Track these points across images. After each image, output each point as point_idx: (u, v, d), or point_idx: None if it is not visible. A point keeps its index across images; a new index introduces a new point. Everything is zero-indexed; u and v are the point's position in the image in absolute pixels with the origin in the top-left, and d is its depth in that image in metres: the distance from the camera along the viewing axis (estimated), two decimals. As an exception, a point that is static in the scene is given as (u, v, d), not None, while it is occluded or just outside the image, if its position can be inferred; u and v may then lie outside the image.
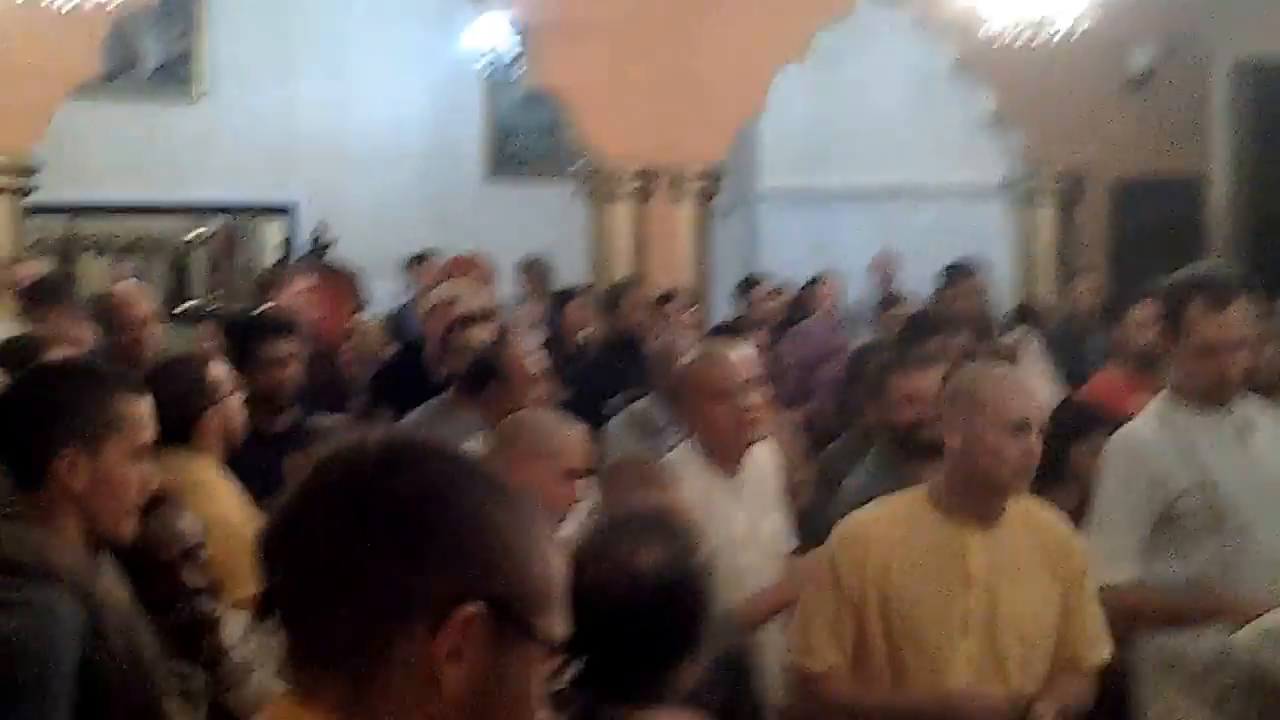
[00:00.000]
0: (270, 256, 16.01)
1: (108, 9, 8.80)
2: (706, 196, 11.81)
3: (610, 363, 9.06)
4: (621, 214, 11.55)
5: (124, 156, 14.24)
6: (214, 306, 14.83)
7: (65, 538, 3.43)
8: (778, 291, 11.54)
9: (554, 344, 10.54)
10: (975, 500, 4.48)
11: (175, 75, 14.90)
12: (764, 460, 5.61)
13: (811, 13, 11.69)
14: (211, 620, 4.15)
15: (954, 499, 4.50)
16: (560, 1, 9.78)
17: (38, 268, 9.31)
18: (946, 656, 4.43)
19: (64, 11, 8.58)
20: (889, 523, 4.55)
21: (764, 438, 5.55)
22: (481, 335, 7.11)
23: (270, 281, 9.78)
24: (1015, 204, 13.75)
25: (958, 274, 10.56)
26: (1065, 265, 13.27)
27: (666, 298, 10.17)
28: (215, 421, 5.16)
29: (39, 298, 7.95)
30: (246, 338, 6.53)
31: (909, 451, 5.51)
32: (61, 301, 7.84)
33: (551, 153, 14.39)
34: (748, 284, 11.40)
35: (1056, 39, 10.34)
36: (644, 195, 11.53)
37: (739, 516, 5.31)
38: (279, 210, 15.64)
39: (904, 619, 4.43)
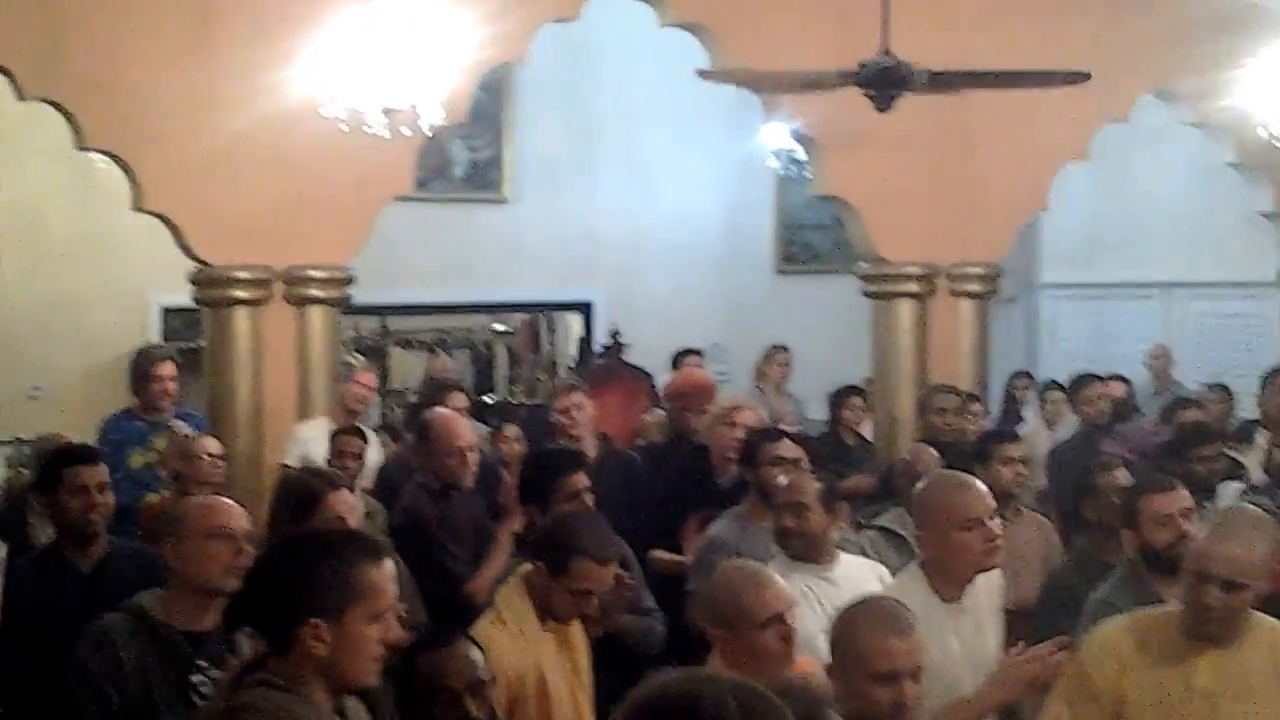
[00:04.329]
0: (570, 351, 16.28)
1: (424, 131, 9.07)
2: (987, 294, 11.77)
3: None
4: (904, 310, 11.57)
5: (433, 257, 14.59)
6: (516, 400, 15.10)
7: (309, 698, 3.66)
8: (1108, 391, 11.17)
9: (831, 438, 10.75)
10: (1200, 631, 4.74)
11: (483, 180, 15.20)
12: (983, 582, 5.63)
13: (1091, 114, 11.63)
14: None
15: (1187, 625, 4.76)
16: (841, 113, 9.81)
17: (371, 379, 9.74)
18: None
19: (385, 138, 8.86)
20: (1136, 636, 4.77)
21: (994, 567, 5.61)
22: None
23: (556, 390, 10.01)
24: (1293, 297, 13.40)
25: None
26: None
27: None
28: None
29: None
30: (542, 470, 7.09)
31: (1160, 569, 5.69)
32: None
33: (840, 246, 14.42)
34: (1077, 384, 11.12)
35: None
36: (925, 293, 11.52)
37: (954, 642, 5.30)
38: (579, 306, 15.85)
39: None
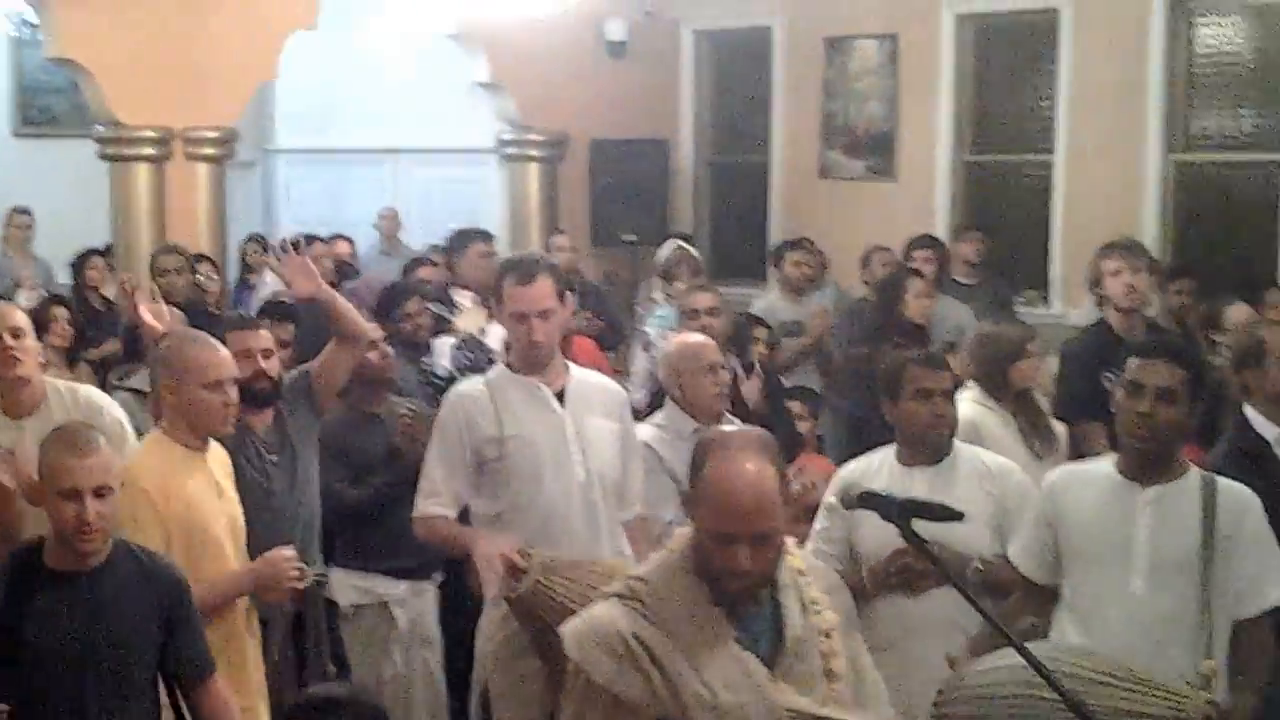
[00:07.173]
0: None
1: None
2: (222, 157, 11.78)
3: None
4: (141, 174, 11.44)
5: None
6: None
7: None
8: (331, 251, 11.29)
9: (79, 301, 10.52)
10: None
11: None
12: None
13: (316, -17, 11.77)
14: None
15: None
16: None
17: None
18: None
19: None
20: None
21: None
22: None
23: None
24: (506, 164, 13.94)
25: (465, 239, 10.36)
26: (551, 219, 13.55)
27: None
28: None
29: None
30: None
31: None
32: None
33: (79, 110, 13.98)
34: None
35: (543, 12, 10.58)
36: (161, 156, 11.41)
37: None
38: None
39: None
